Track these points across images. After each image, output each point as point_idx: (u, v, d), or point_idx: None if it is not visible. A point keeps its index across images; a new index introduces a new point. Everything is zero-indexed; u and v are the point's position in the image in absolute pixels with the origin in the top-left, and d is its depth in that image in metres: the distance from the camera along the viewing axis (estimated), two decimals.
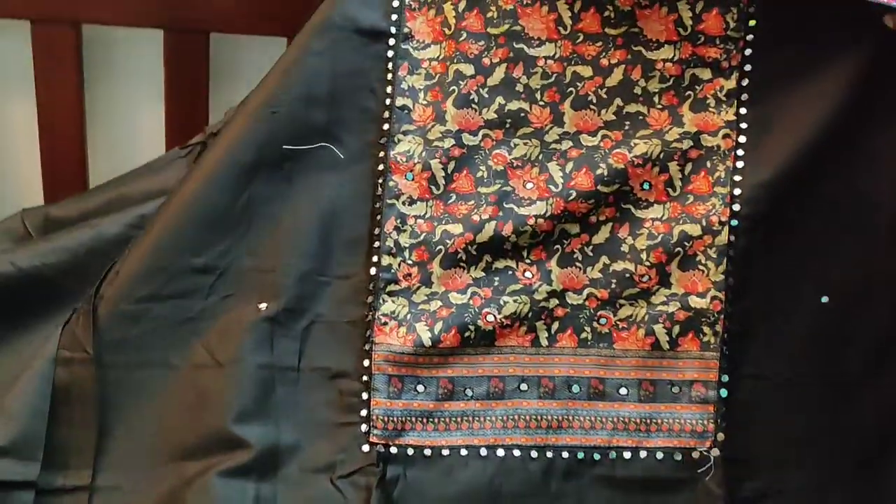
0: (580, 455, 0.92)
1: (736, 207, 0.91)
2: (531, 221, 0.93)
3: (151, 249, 0.89)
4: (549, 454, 0.91)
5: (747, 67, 0.91)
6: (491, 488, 0.90)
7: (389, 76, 0.93)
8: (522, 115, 0.93)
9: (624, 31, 0.91)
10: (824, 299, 0.92)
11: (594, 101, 0.93)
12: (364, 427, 0.90)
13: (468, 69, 0.92)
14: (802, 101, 0.89)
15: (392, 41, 0.92)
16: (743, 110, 0.91)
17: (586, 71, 0.92)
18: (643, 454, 0.92)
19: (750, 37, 0.90)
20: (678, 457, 0.92)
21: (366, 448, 0.89)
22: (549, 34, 0.92)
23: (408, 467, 0.90)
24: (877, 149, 0.90)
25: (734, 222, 0.91)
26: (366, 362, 0.91)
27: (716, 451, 0.92)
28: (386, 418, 0.90)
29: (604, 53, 0.92)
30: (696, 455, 0.92)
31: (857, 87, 0.88)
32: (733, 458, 0.91)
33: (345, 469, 0.88)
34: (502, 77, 0.93)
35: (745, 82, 0.91)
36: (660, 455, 0.92)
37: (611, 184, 0.93)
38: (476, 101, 0.92)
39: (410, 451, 0.90)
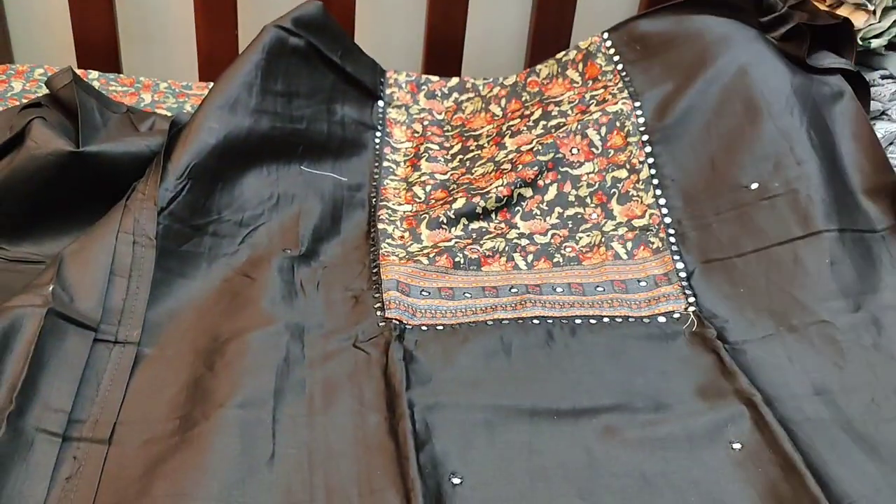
0: (578, 321, 1.02)
1: (648, 149, 1.18)
2: (494, 191, 1.16)
3: (209, 192, 1.08)
4: (550, 321, 1.02)
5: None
6: (502, 342, 0.98)
7: (378, 137, 1.28)
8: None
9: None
10: (754, 186, 1.10)
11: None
12: (380, 312, 1.01)
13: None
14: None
15: (378, 134, 1.29)
16: None
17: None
18: (632, 320, 1.03)
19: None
20: (662, 319, 1.02)
21: (382, 323, 1.00)
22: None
23: (422, 334, 0.99)
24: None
25: (651, 160, 1.17)
26: (374, 278, 1.07)
27: (693, 309, 1.03)
28: (398, 302, 1.02)
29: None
30: (676, 316, 1.03)
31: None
32: (710, 314, 1.02)
33: (365, 336, 0.98)
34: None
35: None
36: (646, 320, 1.03)
37: (545, 154, 1.18)
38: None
39: (424, 328, 1.00)
